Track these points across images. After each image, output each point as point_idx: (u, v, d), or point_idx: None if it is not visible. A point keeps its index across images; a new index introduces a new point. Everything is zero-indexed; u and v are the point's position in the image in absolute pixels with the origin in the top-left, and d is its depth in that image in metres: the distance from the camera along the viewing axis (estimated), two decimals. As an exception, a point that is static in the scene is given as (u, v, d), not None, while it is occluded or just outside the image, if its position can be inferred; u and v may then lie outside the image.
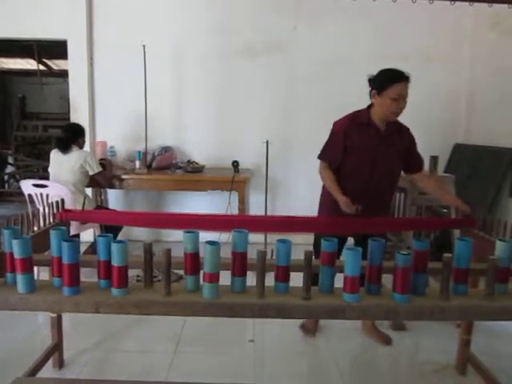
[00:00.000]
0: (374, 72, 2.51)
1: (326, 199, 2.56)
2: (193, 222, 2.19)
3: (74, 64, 4.43)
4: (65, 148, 3.53)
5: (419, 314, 1.39)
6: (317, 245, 2.43)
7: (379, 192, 2.49)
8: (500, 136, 3.96)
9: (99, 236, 1.40)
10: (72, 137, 3.57)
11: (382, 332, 2.71)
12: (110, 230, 2.83)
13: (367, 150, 2.45)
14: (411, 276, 1.40)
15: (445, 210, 3.16)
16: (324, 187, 2.60)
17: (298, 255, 1.52)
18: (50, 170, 3.65)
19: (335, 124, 2.55)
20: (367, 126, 2.46)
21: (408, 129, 2.59)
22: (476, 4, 3.62)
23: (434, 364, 2.42)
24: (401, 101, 2.37)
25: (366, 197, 2.39)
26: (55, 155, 3.61)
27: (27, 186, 3.49)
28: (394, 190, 2.68)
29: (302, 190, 4.65)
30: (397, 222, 2.85)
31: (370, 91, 2.46)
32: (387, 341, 2.66)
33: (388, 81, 2.37)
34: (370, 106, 2.50)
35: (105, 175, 3.79)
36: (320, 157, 2.56)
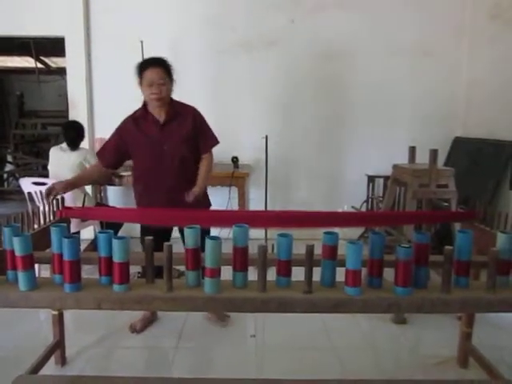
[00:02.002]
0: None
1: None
2: (193, 218, 2.18)
3: (72, 61, 4.42)
4: (76, 146, 3.55)
5: (421, 306, 1.39)
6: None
7: (174, 178, 2.52)
8: (499, 129, 3.95)
9: (100, 232, 1.40)
10: (81, 134, 3.59)
11: (217, 312, 2.75)
12: (111, 227, 2.83)
13: (147, 143, 2.51)
14: (412, 269, 1.40)
15: (445, 204, 3.15)
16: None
17: (298, 250, 1.51)
18: (49, 167, 3.65)
19: (119, 125, 2.62)
20: (144, 120, 2.53)
21: (193, 109, 2.63)
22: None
23: (436, 357, 2.42)
24: (153, 86, 2.42)
25: (162, 187, 2.51)
26: (54, 153, 3.61)
27: (27, 184, 3.48)
28: (193, 172, 2.61)
29: (301, 184, 4.66)
30: (397, 216, 2.84)
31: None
32: (224, 317, 2.76)
33: (139, 71, 2.50)
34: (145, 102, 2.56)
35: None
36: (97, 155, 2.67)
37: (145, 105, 2.57)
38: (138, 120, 2.55)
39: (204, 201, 2.67)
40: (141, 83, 2.50)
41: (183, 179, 2.54)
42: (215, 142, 2.71)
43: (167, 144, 2.50)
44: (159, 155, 2.50)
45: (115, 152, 2.58)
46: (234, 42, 4.44)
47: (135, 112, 2.60)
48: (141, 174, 2.60)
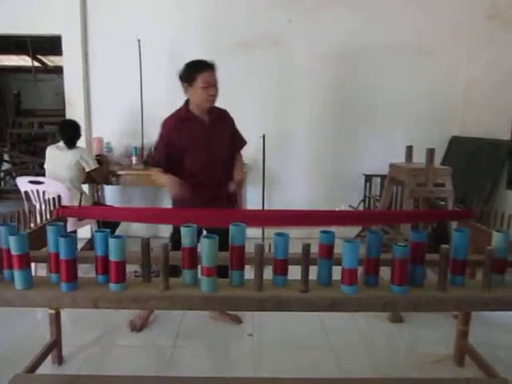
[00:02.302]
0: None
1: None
2: (190, 217, 2.18)
3: (69, 60, 4.40)
4: (73, 144, 3.55)
5: (417, 304, 1.40)
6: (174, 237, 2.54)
7: (221, 181, 2.56)
8: (496, 128, 3.96)
9: (96, 231, 1.40)
10: (77, 133, 3.59)
11: (229, 313, 2.78)
12: (108, 226, 2.82)
13: (196, 144, 2.52)
14: (409, 267, 1.41)
15: (442, 202, 3.16)
16: None
17: (295, 249, 1.51)
18: (46, 166, 3.64)
19: (162, 125, 2.62)
20: (189, 121, 2.53)
21: (226, 111, 2.69)
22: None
23: (432, 355, 2.43)
24: (210, 88, 2.45)
25: (208, 187, 2.53)
26: (51, 152, 3.60)
27: (23, 183, 3.48)
28: (231, 171, 2.66)
29: (298, 183, 4.66)
30: (394, 215, 2.85)
31: (183, 86, 2.52)
32: (237, 319, 2.77)
33: (192, 72, 2.46)
34: (187, 102, 2.57)
35: (101, 171, 3.78)
36: (153, 164, 2.64)
37: (186, 105, 2.56)
38: (183, 121, 2.54)
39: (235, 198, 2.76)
40: (191, 84, 2.46)
41: (225, 179, 2.58)
42: (244, 142, 2.80)
43: (213, 144, 2.54)
44: (206, 155, 2.53)
45: (167, 153, 2.55)
46: (233, 42, 4.43)
47: (178, 112, 2.58)
48: (188, 175, 2.55)
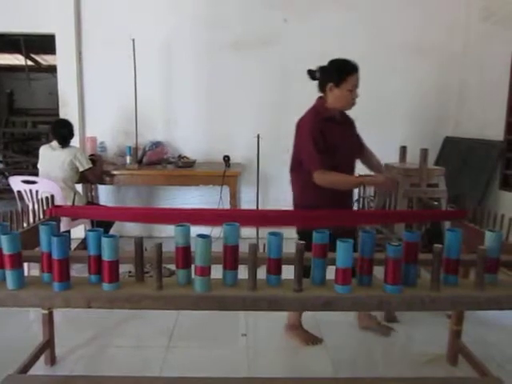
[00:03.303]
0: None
1: (308, 196, 2.50)
2: (184, 217, 2.17)
3: (63, 59, 4.38)
4: (66, 143, 3.53)
5: (410, 304, 1.40)
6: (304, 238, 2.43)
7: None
8: (490, 129, 3.99)
9: (89, 231, 1.39)
10: (71, 132, 3.57)
11: (381, 324, 2.72)
12: (101, 226, 2.81)
13: (342, 144, 2.44)
14: (402, 267, 1.41)
15: (435, 203, 3.18)
16: (298, 187, 2.57)
17: (289, 249, 1.52)
18: (39, 166, 3.62)
19: (305, 125, 2.46)
20: (331, 120, 2.45)
21: (350, 116, 2.65)
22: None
23: (426, 355, 2.44)
24: (354, 92, 2.40)
25: (346, 191, 2.52)
26: (45, 151, 3.58)
27: (16, 183, 3.45)
28: None
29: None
30: (388, 215, 2.86)
31: (322, 84, 2.44)
32: (387, 331, 2.67)
33: (343, 73, 2.37)
34: (321, 99, 2.48)
35: (95, 171, 3.77)
36: (316, 167, 2.36)
37: (323, 104, 2.46)
38: (327, 121, 2.44)
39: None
40: (338, 85, 2.37)
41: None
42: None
43: (348, 144, 2.49)
44: (349, 156, 2.52)
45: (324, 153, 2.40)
46: (227, 42, 4.42)
47: (318, 113, 2.44)
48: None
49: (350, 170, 2.53)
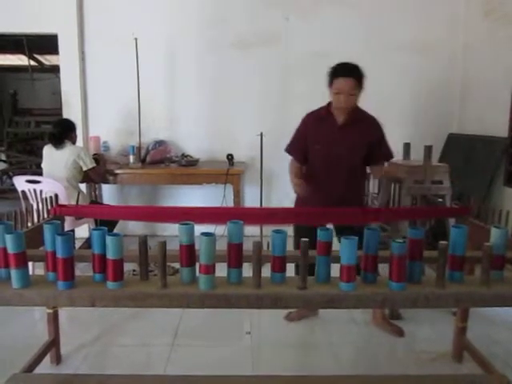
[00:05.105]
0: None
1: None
2: (188, 215, 2.17)
3: (66, 58, 4.38)
4: (59, 143, 3.51)
5: (415, 301, 1.39)
6: (297, 235, 2.50)
7: (341, 182, 2.51)
8: (494, 125, 3.96)
9: (94, 229, 1.40)
10: (64, 131, 3.55)
11: (393, 324, 2.70)
12: (105, 224, 2.81)
13: (323, 142, 2.51)
14: (407, 264, 1.40)
15: (440, 200, 3.16)
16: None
17: (292, 246, 1.51)
18: (43, 165, 3.63)
19: (302, 119, 2.65)
20: (325, 119, 2.52)
21: (374, 120, 2.59)
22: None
23: (431, 352, 2.43)
24: (341, 95, 2.38)
25: (329, 186, 2.50)
26: (48, 151, 3.59)
27: (20, 183, 3.46)
28: (360, 180, 2.68)
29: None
30: (392, 212, 2.85)
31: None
32: (400, 332, 2.64)
33: (331, 76, 2.44)
34: (330, 101, 2.55)
35: (98, 170, 3.77)
36: (286, 150, 2.68)
37: (328, 104, 2.54)
38: (320, 118, 2.53)
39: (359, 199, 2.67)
40: (329, 86, 2.47)
41: (349, 186, 2.52)
42: (389, 157, 2.65)
43: (340, 147, 2.48)
44: (331, 157, 2.50)
45: (302, 146, 2.59)
46: (229, 40, 4.42)
47: (320, 109, 2.57)
48: (312, 173, 2.57)
49: (327, 171, 2.52)
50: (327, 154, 2.51)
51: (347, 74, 2.38)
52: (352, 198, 2.55)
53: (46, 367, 2.21)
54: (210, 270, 1.37)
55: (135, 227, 4.44)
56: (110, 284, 1.37)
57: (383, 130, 2.60)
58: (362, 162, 2.56)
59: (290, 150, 2.67)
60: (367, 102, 4.79)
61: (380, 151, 2.57)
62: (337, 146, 2.49)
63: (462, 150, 4.26)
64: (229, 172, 3.98)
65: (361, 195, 2.74)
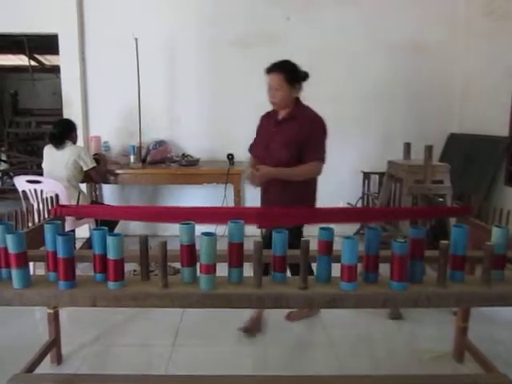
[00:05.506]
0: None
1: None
2: (189, 215, 2.17)
3: (66, 58, 4.38)
4: (59, 143, 3.51)
5: (416, 300, 1.40)
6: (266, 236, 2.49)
7: (274, 181, 2.47)
8: (494, 125, 3.96)
9: (94, 229, 1.40)
10: (65, 131, 3.55)
11: (303, 309, 2.71)
12: (106, 225, 2.81)
13: (262, 137, 2.63)
14: (408, 264, 1.40)
15: (440, 199, 3.16)
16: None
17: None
18: (43, 166, 3.63)
19: None
20: (272, 116, 2.59)
21: (313, 119, 2.51)
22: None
23: (432, 352, 2.43)
24: (270, 91, 2.48)
25: (266, 183, 2.51)
26: (49, 151, 3.59)
27: (21, 183, 3.46)
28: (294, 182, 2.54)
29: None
30: (393, 212, 2.85)
31: None
32: (315, 310, 2.74)
33: (266, 73, 2.51)
34: None
35: (99, 170, 3.77)
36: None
37: None
38: (269, 115, 2.63)
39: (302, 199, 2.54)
40: None
41: (285, 184, 2.46)
42: (317, 158, 2.50)
43: (273, 143, 2.51)
44: (265, 153, 2.54)
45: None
46: (230, 40, 4.42)
47: (271, 109, 2.65)
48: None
49: (263, 163, 2.52)
50: (263, 148, 2.56)
51: (273, 69, 2.46)
52: (292, 197, 2.47)
53: (46, 367, 2.21)
54: (210, 269, 1.37)
55: (136, 227, 4.44)
56: (111, 284, 1.37)
57: (323, 131, 2.52)
58: (298, 159, 2.47)
59: (249, 147, 2.78)
60: (367, 101, 4.81)
61: (308, 150, 2.47)
62: (272, 141, 2.52)
63: (463, 149, 4.25)
64: (229, 172, 3.98)
65: (301, 195, 2.55)
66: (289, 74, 2.45)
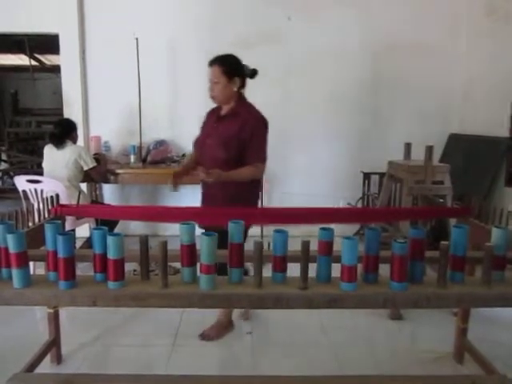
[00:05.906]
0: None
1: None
2: (189, 215, 2.17)
3: (67, 58, 4.38)
4: (59, 143, 3.52)
5: (416, 301, 1.39)
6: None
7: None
8: (495, 125, 3.96)
9: (94, 229, 1.40)
10: (65, 131, 3.56)
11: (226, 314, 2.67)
12: (106, 224, 2.81)
13: (202, 133, 2.57)
14: (408, 264, 1.40)
15: (441, 200, 3.16)
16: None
17: (294, 247, 1.51)
18: (43, 165, 3.63)
19: None
20: (215, 112, 2.54)
21: (254, 118, 2.46)
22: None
23: (432, 353, 2.43)
24: (210, 84, 2.43)
25: (204, 181, 2.39)
26: (49, 151, 3.59)
27: (21, 182, 3.46)
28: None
29: (297, 181, 4.65)
30: (393, 212, 2.85)
31: None
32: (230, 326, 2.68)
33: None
34: None
35: (99, 170, 3.77)
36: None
37: None
38: (213, 111, 2.58)
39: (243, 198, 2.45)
40: None
41: (224, 183, 2.32)
42: (259, 159, 2.43)
43: (209, 139, 2.47)
44: (203, 149, 2.51)
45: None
46: (231, 40, 4.40)
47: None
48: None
49: (203, 164, 2.44)
50: (202, 145, 2.51)
51: (213, 62, 2.41)
52: (233, 197, 2.38)
53: (46, 367, 2.21)
54: (211, 269, 1.37)
55: (136, 227, 4.44)
56: (111, 284, 1.37)
57: (263, 131, 2.49)
58: (237, 158, 2.38)
59: (193, 143, 2.66)
60: (367, 101, 4.81)
61: (250, 151, 2.40)
62: (210, 137, 2.47)
63: (463, 150, 4.25)
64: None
65: (241, 194, 2.43)
66: (229, 67, 2.39)
